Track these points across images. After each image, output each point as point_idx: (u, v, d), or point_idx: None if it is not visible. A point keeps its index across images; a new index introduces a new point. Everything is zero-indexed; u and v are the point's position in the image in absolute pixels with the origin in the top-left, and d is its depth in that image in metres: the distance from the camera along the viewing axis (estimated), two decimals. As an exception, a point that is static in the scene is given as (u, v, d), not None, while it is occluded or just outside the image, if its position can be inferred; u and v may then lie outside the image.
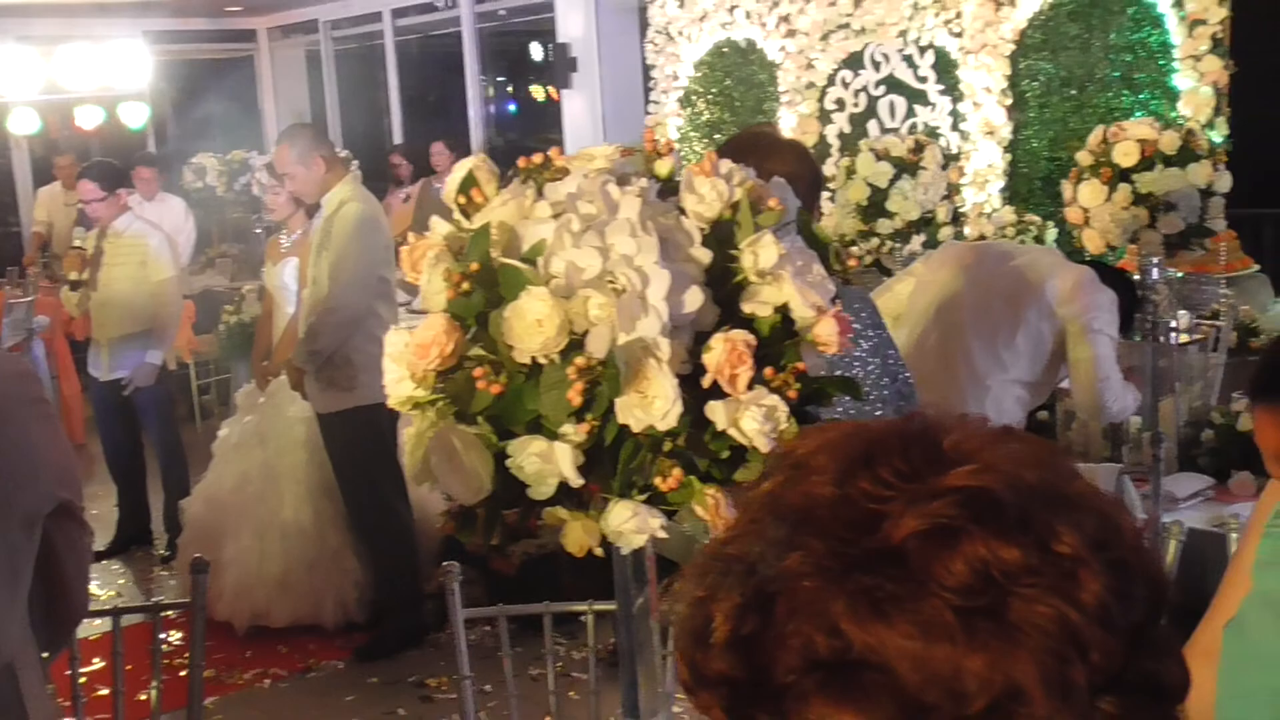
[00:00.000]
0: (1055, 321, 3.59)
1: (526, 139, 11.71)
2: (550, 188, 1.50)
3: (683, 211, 1.47)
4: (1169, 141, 3.92)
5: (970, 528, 0.71)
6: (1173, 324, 3.74)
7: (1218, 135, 5.86)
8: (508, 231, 1.49)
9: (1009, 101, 6.51)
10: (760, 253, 1.43)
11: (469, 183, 1.57)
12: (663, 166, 1.54)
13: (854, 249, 5.38)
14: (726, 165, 1.52)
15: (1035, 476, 0.75)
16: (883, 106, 6.98)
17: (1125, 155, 3.93)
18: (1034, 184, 6.43)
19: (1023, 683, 0.69)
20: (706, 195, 1.46)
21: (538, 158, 1.56)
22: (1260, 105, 6.95)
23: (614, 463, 1.42)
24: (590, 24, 8.74)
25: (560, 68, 8.90)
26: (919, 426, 0.78)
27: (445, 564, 2.53)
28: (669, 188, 1.52)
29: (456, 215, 1.58)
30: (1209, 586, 2.06)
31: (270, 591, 4.82)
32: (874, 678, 0.70)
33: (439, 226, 1.58)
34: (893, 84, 6.95)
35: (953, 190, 5.43)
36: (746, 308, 1.45)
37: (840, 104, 7.16)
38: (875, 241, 5.35)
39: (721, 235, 1.47)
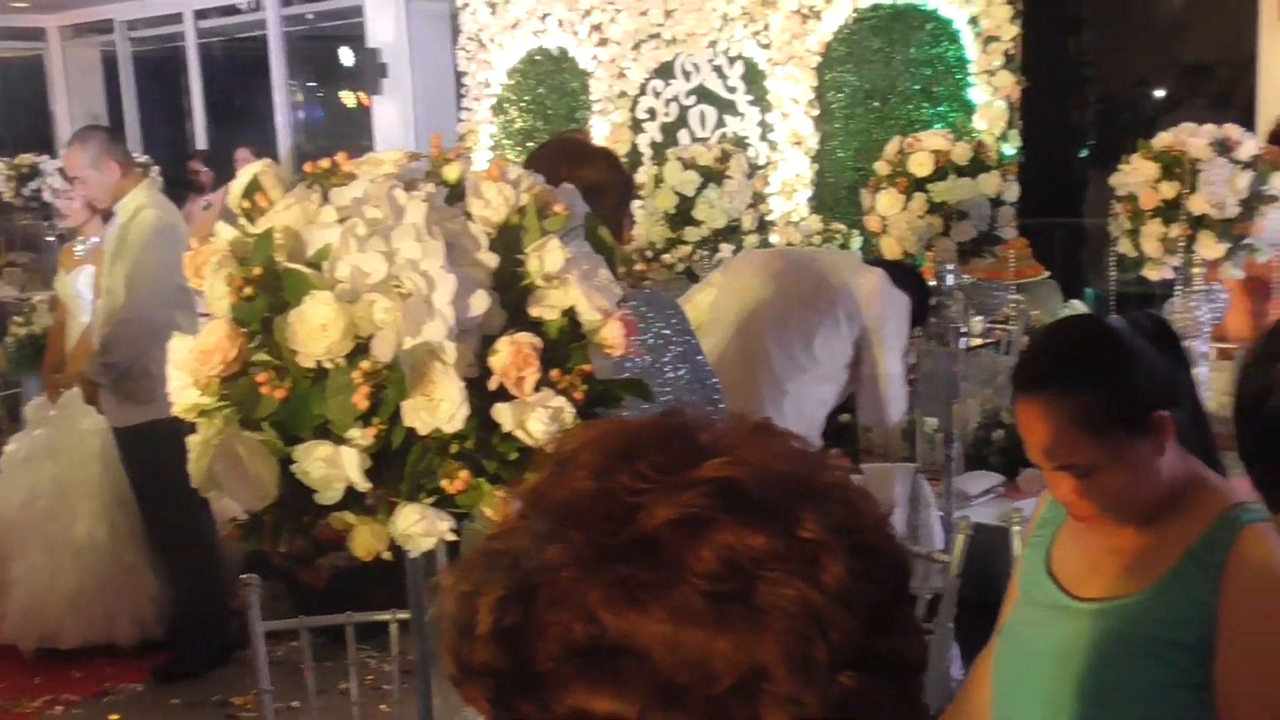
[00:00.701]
0: (855, 326, 3.71)
1: (336, 145, 11.46)
2: (336, 192, 1.49)
3: (469, 217, 1.48)
4: (961, 153, 4.07)
5: (719, 517, 0.74)
6: (964, 329, 3.89)
7: (1010, 147, 6.12)
8: (292, 236, 1.47)
9: (815, 113, 6.67)
10: (546, 257, 1.44)
11: (253, 187, 1.54)
12: (451, 172, 1.54)
13: (665, 257, 5.45)
14: (515, 171, 1.53)
15: (785, 467, 0.79)
16: (694, 116, 7.08)
17: (920, 165, 4.06)
18: (840, 193, 6.60)
19: (767, 662, 0.72)
20: (493, 200, 1.47)
21: (325, 162, 1.55)
22: (1049, 119, 7.28)
23: (402, 466, 1.42)
24: (401, 29, 8.66)
25: (370, 73, 8.79)
26: (678, 423, 0.81)
27: (244, 576, 2.47)
28: (457, 193, 1.52)
29: (241, 220, 1.56)
30: (996, 579, 2.15)
31: (61, 611, 4.63)
32: (629, 662, 0.73)
33: (224, 231, 1.55)
34: (703, 94, 7.06)
35: (758, 199, 5.54)
36: (534, 311, 1.46)
37: (652, 113, 7.23)
38: (686, 249, 5.43)
39: (509, 240, 1.48)
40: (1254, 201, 3.51)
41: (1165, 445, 1.79)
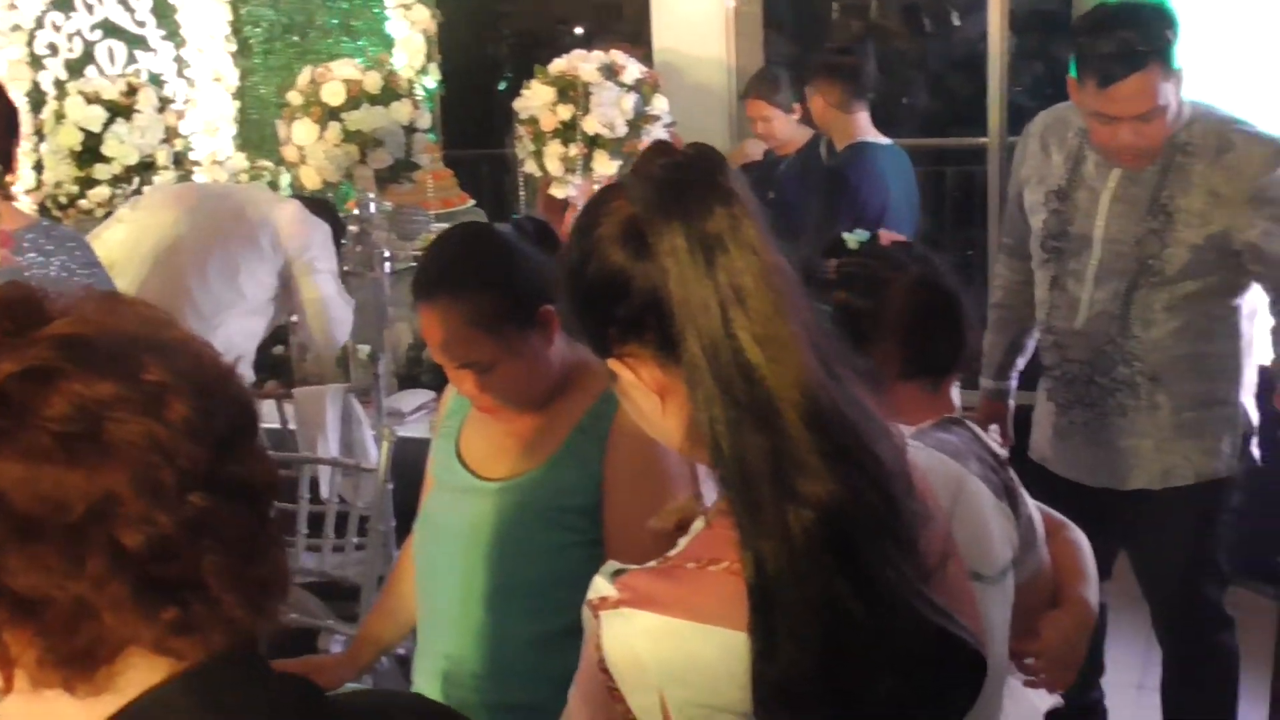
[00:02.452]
0: (279, 256, 3.69)
1: None
2: None
3: None
4: (373, 82, 4.12)
5: (66, 367, 0.82)
6: (388, 254, 3.98)
7: (431, 80, 6.27)
8: None
9: (233, 48, 6.49)
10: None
11: None
12: None
13: (82, 202, 5.14)
14: None
15: (132, 326, 0.88)
16: (101, 52, 6.65)
17: (333, 95, 4.08)
18: (265, 130, 6.46)
19: (117, 489, 0.81)
20: None
21: None
22: (468, 53, 7.53)
23: None
24: None
25: None
26: (22, 293, 0.87)
27: None
28: None
29: None
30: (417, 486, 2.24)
31: None
32: None
33: None
34: (110, 29, 6.65)
35: (171, 134, 5.34)
36: None
37: (53, 49, 6.74)
38: (105, 193, 5.15)
39: None
40: (639, 121, 3.84)
41: (553, 336, 1.96)
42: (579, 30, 8.55)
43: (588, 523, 1.91)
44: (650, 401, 1.26)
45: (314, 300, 3.86)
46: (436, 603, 2.05)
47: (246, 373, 3.55)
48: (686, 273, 1.14)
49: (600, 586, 1.21)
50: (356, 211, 4.25)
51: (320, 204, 3.95)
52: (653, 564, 1.22)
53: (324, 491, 3.38)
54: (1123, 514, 2.94)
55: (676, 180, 1.18)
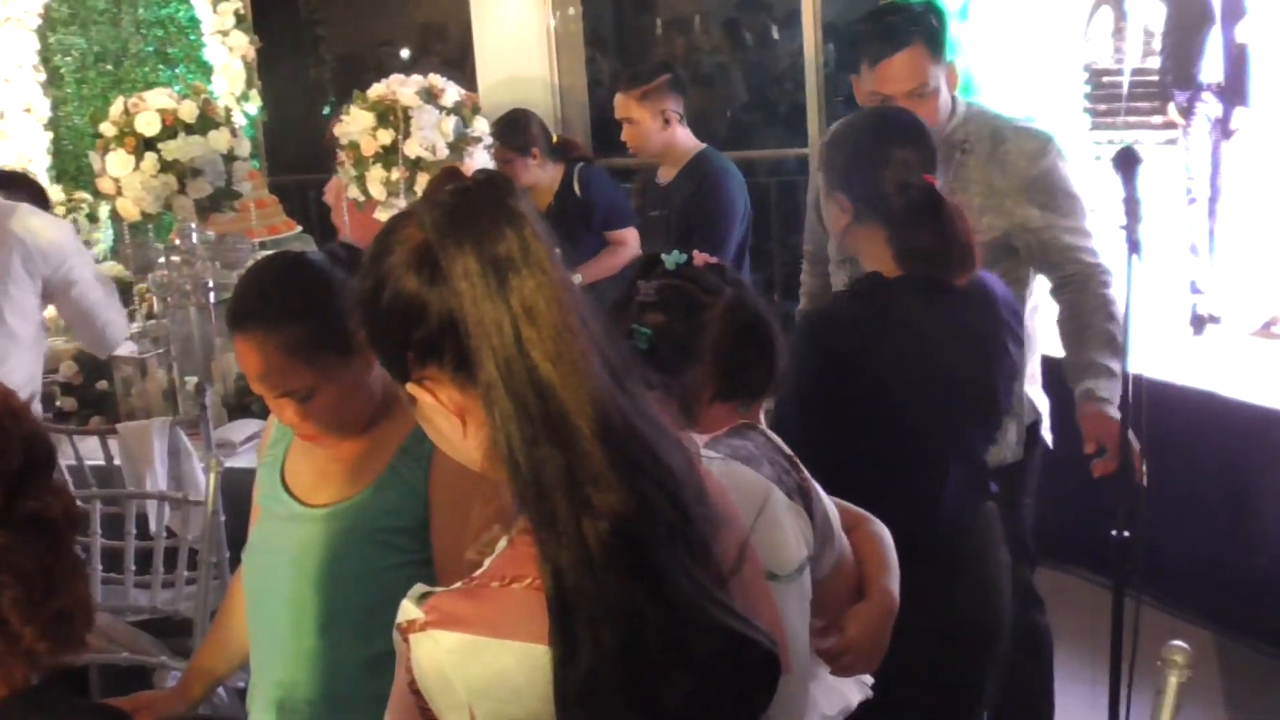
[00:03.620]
0: (36, 281, 3.61)
1: None
2: None
3: None
4: (188, 110, 4.09)
5: None
6: (211, 284, 3.94)
7: (253, 107, 6.20)
8: None
9: (43, 78, 6.32)
10: None
11: None
12: None
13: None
14: None
15: None
16: (-97, 86, 6.43)
17: (148, 125, 4.03)
18: (81, 162, 6.32)
19: None
20: None
21: None
22: (289, 79, 7.44)
23: None
24: None
25: None
26: None
27: None
28: None
29: None
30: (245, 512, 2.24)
31: None
32: None
33: None
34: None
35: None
36: None
37: None
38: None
39: None
40: (460, 143, 3.87)
41: (373, 361, 1.97)
42: (405, 53, 8.53)
43: (416, 543, 1.92)
44: (450, 424, 1.29)
45: (81, 313, 3.79)
46: (267, 632, 2.04)
47: (37, 409, 3.48)
48: (480, 295, 1.18)
49: (408, 610, 1.23)
50: (179, 242, 4.19)
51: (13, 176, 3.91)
52: (458, 585, 1.25)
53: (152, 526, 3.33)
54: None
55: (466, 205, 1.21)
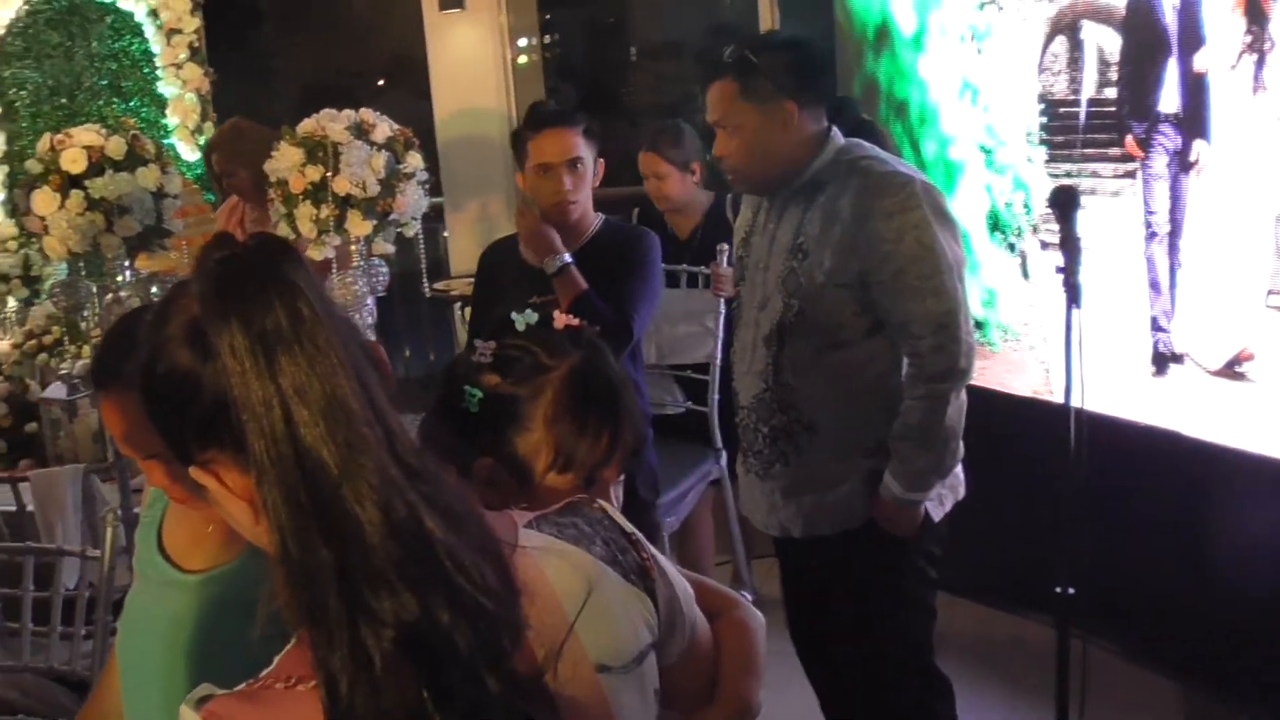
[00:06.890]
0: None
1: None
2: None
3: None
4: (115, 147, 3.98)
5: None
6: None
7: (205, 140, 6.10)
8: None
9: (-2, 112, 6.26)
10: None
11: None
12: None
13: None
14: None
15: None
16: None
17: (73, 162, 3.92)
18: (32, 196, 6.24)
19: None
20: None
21: None
22: (244, 111, 7.33)
23: None
24: None
25: None
26: None
27: None
28: None
29: None
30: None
31: None
32: None
33: None
34: None
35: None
36: None
37: None
38: None
39: None
40: (392, 180, 3.75)
41: None
42: (381, 83, 8.46)
43: None
44: (240, 508, 1.18)
45: None
46: (143, 703, 1.94)
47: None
48: (248, 372, 1.07)
49: (186, 716, 1.13)
50: (106, 280, 4.09)
51: None
52: (242, 686, 1.15)
53: (67, 579, 3.20)
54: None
55: (233, 275, 1.10)
